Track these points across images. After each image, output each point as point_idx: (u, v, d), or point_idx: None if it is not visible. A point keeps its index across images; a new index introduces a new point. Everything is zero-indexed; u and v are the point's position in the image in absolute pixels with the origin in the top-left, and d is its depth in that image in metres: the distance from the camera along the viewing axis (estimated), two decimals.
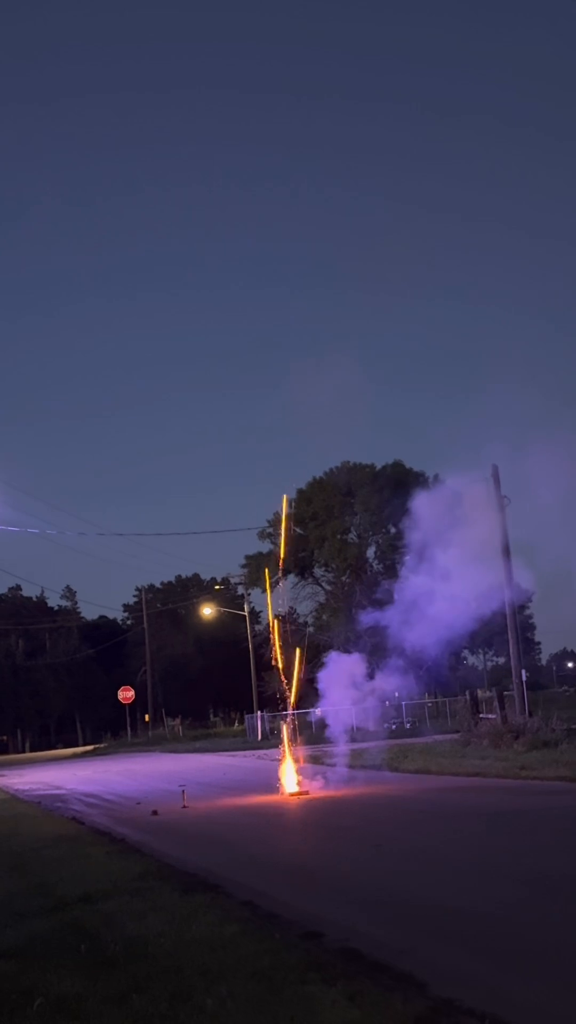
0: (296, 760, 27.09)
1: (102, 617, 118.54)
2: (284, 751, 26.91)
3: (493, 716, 39.85)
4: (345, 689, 30.04)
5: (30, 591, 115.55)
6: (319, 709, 61.74)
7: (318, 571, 69.68)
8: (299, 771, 27.00)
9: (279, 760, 27.65)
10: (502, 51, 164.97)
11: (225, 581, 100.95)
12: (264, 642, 73.17)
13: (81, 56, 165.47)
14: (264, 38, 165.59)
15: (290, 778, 26.00)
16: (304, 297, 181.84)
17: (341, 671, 29.81)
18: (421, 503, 33.29)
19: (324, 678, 30.06)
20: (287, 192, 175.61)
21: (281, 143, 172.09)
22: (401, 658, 30.04)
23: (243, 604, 77.43)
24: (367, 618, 30.87)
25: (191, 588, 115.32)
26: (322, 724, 52.48)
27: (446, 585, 30.37)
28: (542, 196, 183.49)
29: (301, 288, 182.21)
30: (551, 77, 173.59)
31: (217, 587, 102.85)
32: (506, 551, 38.85)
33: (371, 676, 32.19)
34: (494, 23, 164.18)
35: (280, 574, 37.18)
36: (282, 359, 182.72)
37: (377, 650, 58.78)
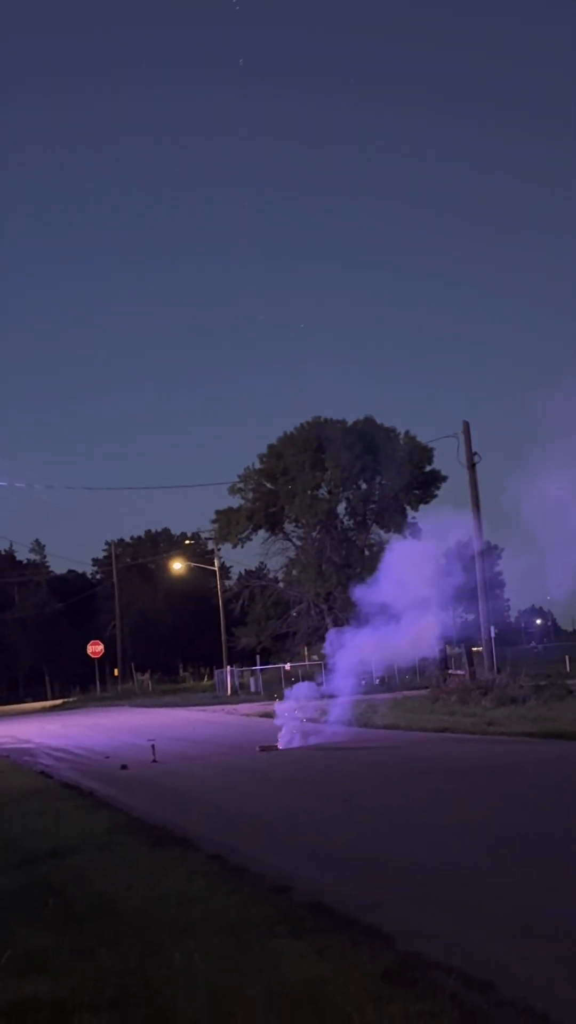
0: (267, 715, 27.17)
1: (71, 571, 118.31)
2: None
3: (462, 672, 40.11)
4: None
5: None
6: (288, 665, 62.22)
7: (288, 527, 69.62)
8: (269, 726, 27.10)
9: (248, 715, 27.72)
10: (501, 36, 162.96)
11: (195, 536, 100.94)
12: (234, 597, 73.36)
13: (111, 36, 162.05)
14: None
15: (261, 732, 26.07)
16: (273, 261, 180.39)
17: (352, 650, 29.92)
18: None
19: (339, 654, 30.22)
20: (270, 171, 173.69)
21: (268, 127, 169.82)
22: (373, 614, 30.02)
23: (213, 559, 77.38)
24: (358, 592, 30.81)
25: (161, 543, 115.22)
26: (293, 678, 52.76)
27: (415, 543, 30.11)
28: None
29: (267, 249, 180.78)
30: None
31: (187, 542, 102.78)
32: (476, 507, 38.90)
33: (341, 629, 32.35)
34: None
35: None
36: (252, 318, 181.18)
37: (348, 606, 58.99)
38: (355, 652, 30.46)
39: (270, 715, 29.31)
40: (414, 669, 53.54)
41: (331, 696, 30.75)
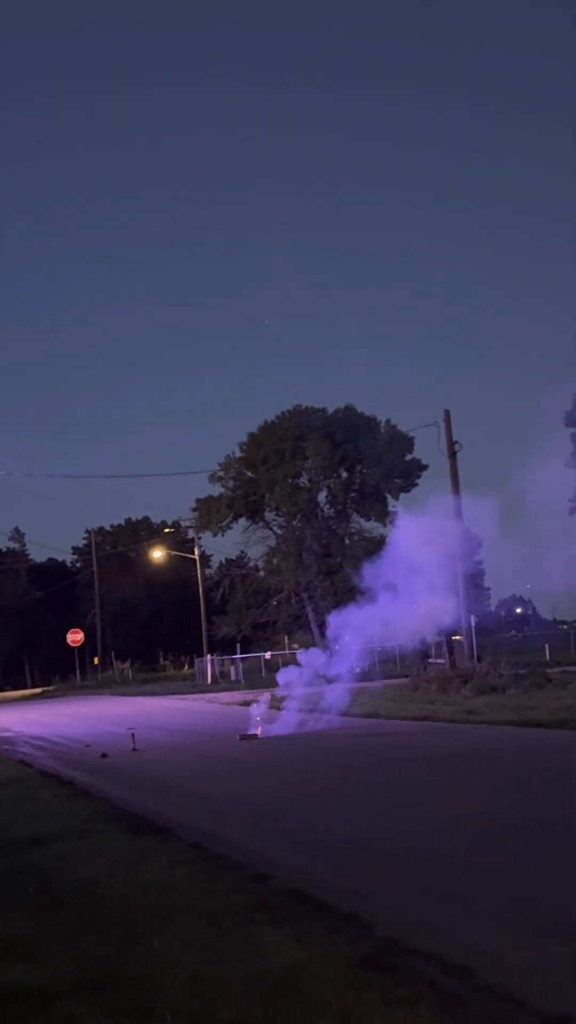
0: (247, 703, 27.22)
1: (51, 559, 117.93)
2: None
3: (442, 661, 40.24)
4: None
5: None
6: (268, 653, 62.29)
7: (269, 515, 69.62)
8: (250, 714, 27.15)
9: (228, 704, 27.76)
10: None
11: (176, 524, 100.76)
12: (214, 585, 73.33)
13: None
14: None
15: (242, 720, 26.13)
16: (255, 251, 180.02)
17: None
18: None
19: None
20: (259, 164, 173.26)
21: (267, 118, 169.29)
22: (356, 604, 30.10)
23: (193, 547, 77.32)
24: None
25: (141, 531, 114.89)
26: (273, 667, 52.82)
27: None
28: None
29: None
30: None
31: (168, 530, 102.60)
32: (456, 495, 38.97)
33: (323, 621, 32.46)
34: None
35: None
36: (233, 306, 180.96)
37: (328, 595, 59.07)
38: (359, 633, 30.56)
39: (250, 703, 29.33)
40: (394, 658, 53.68)
41: (326, 681, 30.84)
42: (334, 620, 31.04)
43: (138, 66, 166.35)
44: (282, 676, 30.39)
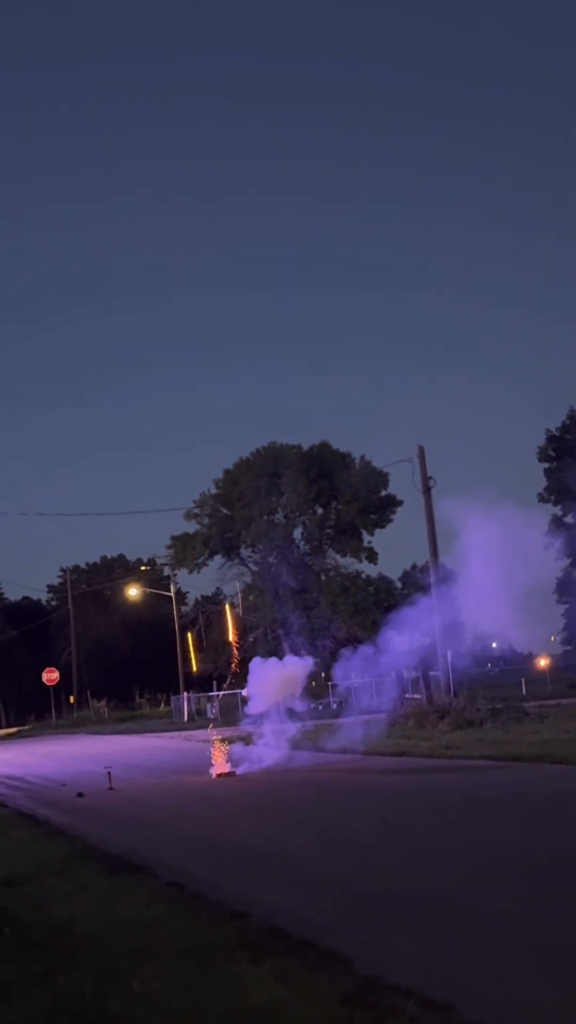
0: (223, 740, 27.07)
1: (26, 598, 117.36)
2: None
3: (419, 696, 40.14)
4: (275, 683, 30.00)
5: None
6: (245, 690, 62.07)
7: (244, 552, 69.70)
8: (226, 751, 26.97)
9: (205, 741, 27.60)
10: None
11: (151, 562, 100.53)
12: (190, 623, 73.18)
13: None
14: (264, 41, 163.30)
15: (216, 758, 25.96)
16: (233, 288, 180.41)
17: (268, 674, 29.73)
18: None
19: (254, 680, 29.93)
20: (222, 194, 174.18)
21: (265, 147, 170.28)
22: (329, 640, 30.12)
23: (169, 585, 77.16)
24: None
25: (117, 568, 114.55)
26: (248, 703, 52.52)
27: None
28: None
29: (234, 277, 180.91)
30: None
31: (143, 568, 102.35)
32: (431, 532, 39.08)
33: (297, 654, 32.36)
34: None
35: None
36: (209, 343, 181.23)
37: (305, 631, 59.00)
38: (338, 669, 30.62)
39: (226, 740, 29.19)
40: (370, 693, 53.50)
41: (296, 719, 30.68)
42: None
43: (132, 93, 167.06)
44: (254, 709, 30.13)
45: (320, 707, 48.78)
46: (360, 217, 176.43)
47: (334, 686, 55.44)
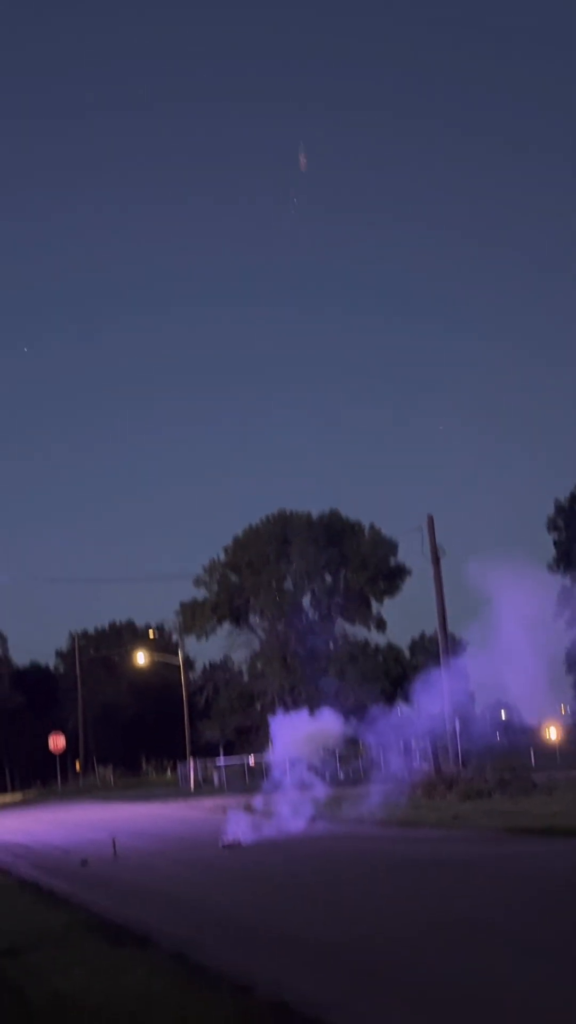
0: (230, 809, 26.87)
1: (33, 663, 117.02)
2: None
3: (427, 766, 39.89)
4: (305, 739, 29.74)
5: None
6: (252, 759, 61.61)
7: (253, 619, 69.60)
8: (233, 820, 26.73)
9: (211, 810, 27.38)
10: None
11: (160, 628, 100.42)
12: (198, 690, 72.88)
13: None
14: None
15: (223, 828, 25.74)
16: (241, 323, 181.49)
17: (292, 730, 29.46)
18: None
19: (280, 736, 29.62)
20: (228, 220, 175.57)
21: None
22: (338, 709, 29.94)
23: (177, 651, 76.98)
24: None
25: (125, 635, 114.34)
26: (257, 772, 52.19)
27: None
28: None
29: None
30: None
31: (151, 634, 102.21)
32: (440, 602, 39.02)
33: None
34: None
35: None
36: (217, 401, 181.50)
37: (314, 699, 58.73)
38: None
39: (233, 810, 28.95)
40: (380, 762, 53.09)
41: (303, 789, 30.42)
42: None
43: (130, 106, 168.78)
44: (279, 769, 29.92)
45: (328, 776, 48.41)
46: (359, 286, 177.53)
47: (360, 749, 54.97)
